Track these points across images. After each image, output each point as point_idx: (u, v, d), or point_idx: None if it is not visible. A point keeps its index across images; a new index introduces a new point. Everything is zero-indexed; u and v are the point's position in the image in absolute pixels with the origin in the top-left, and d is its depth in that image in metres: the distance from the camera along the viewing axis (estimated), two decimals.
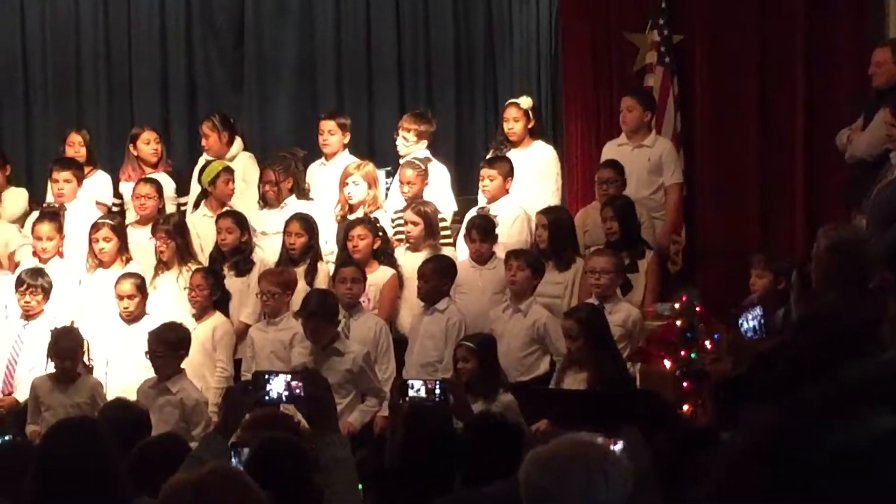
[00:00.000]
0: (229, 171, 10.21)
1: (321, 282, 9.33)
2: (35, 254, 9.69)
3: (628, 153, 9.96)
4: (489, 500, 4.38)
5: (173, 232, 9.58)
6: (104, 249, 9.54)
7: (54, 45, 12.39)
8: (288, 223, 9.50)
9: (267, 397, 4.74)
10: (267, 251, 9.81)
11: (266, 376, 4.80)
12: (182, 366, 8.54)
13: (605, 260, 8.69)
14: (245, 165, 10.56)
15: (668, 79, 10.31)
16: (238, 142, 10.66)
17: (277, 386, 4.72)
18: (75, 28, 12.36)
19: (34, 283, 9.16)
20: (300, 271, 9.37)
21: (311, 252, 9.47)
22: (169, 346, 8.43)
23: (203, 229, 9.93)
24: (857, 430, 0.71)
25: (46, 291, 9.19)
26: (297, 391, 4.68)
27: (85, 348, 9.13)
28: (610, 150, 10.05)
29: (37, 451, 5.44)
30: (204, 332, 9.07)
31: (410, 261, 9.42)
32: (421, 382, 7.12)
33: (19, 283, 9.19)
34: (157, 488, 4.88)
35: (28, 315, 9.19)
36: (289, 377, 4.78)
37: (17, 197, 10.74)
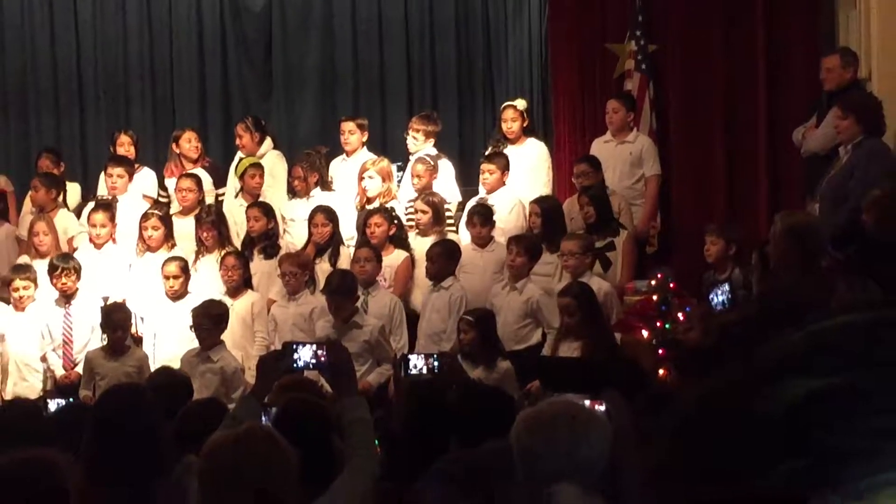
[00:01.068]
0: (256, 166, 10.25)
1: (342, 263, 9.36)
2: (91, 240, 9.71)
3: (613, 148, 9.99)
4: (483, 457, 4.39)
5: (217, 221, 9.62)
6: (153, 236, 9.57)
7: (105, 59, 12.41)
8: (313, 215, 9.51)
9: (295, 365, 4.76)
10: (295, 236, 9.85)
11: (294, 346, 4.82)
12: (222, 338, 8.56)
13: (572, 243, 8.70)
14: (274, 162, 10.57)
15: (644, 83, 10.33)
16: (268, 141, 10.68)
17: (305, 355, 4.74)
18: (123, 43, 12.38)
19: (66, 266, 9.12)
20: (325, 254, 9.41)
21: (334, 237, 9.49)
22: (212, 319, 8.44)
23: (239, 217, 9.97)
24: (774, 400, 0.72)
25: (78, 272, 9.15)
26: (322, 359, 4.70)
27: (133, 322, 9.15)
28: (597, 146, 10.08)
29: (92, 412, 5.47)
30: (244, 307, 9.09)
31: (420, 244, 9.45)
32: (421, 358, 7.16)
33: (52, 268, 9.12)
34: (201, 447, 4.93)
35: (66, 296, 9.14)
36: (315, 346, 4.80)
37: (72, 191, 10.77)
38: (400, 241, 9.53)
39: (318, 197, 9.94)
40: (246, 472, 3.63)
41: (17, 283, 9.11)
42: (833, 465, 0.68)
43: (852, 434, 0.69)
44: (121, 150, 10.70)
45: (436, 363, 6.92)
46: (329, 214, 9.48)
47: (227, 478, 3.67)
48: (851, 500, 0.68)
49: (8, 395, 8.80)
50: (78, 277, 9.15)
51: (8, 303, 9.25)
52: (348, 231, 9.77)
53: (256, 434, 3.83)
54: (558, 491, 3.45)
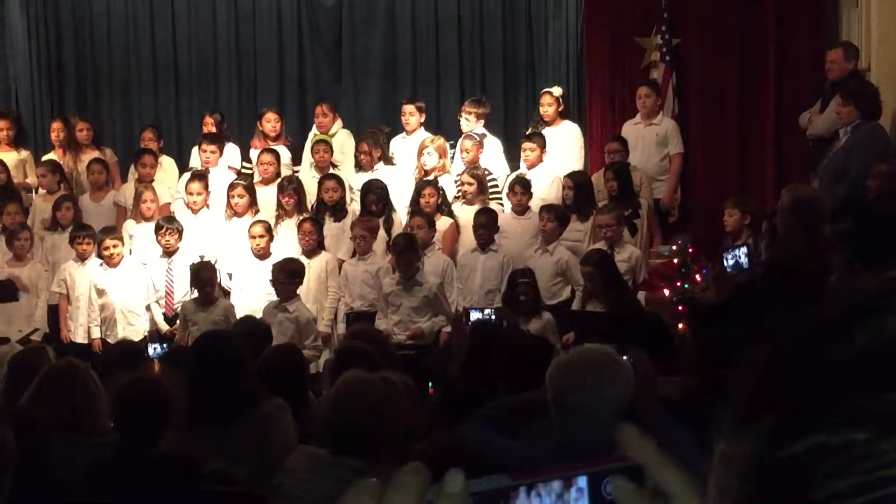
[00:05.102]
0: (323, 143, 10.26)
1: (396, 228, 9.39)
2: (188, 206, 9.78)
3: (642, 130, 9.98)
4: (524, 402, 4.38)
5: (298, 189, 9.66)
6: (239, 203, 9.61)
7: (197, 48, 12.46)
8: (365, 194, 9.49)
9: None
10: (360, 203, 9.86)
11: None
12: (298, 292, 8.61)
13: (607, 217, 8.70)
14: (344, 140, 10.59)
15: (668, 73, 10.29)
16: (339, 121, 10.72)
17: None
18: (213, 33, 12.43)
19: (171, 226, 9.23)
20: (380, 221, 9.43)
21: (386, 208, 9.50)
22: (288, 275, 8.49)
23: (310, 187, 9.98)
24: (884, 328, 0.67)
25: (180, 232, 9.25)
26: None
27: (219, 277, 9.22)
28: (627, 128, 10.07)
29: (190, 354, 5.54)
30: (319, 265, 9.13)
31: (466, 213, 9.46)
32: (478, 311, 7.23)
33: (158, 227, 9.23)
34: (280, 387, 4.98)
35: (168, 252, 9.23)
36: None
37: (169, 163, 10.84)
38: (446, 209, 9.53)
39: (381, 170, 9.95)
40: None
41: (108, 242, 9.16)
42: None
43: None
44: (205, 129, 10.76)
45: (492, 315, 6.97)
46: (380, 191, 9.45)
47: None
48: None
49: (118, 339, 8.91)
50: (180, 237, 9.25)
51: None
52: (408, 201, 9.77)
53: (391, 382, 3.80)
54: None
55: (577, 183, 9.34)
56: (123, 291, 9.17)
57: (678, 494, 0.77)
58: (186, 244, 9.33)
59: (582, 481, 0.77)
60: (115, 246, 9.13)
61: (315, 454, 3.67)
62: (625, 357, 4.67)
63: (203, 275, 8.78)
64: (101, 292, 9.19)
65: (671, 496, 0.77)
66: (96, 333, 9.22)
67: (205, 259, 9.17)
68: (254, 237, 9.15)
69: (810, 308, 0.73)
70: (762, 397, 0.69)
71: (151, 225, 9.49)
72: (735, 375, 0.73)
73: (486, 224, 8.97)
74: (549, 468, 0.78)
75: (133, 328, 9.12)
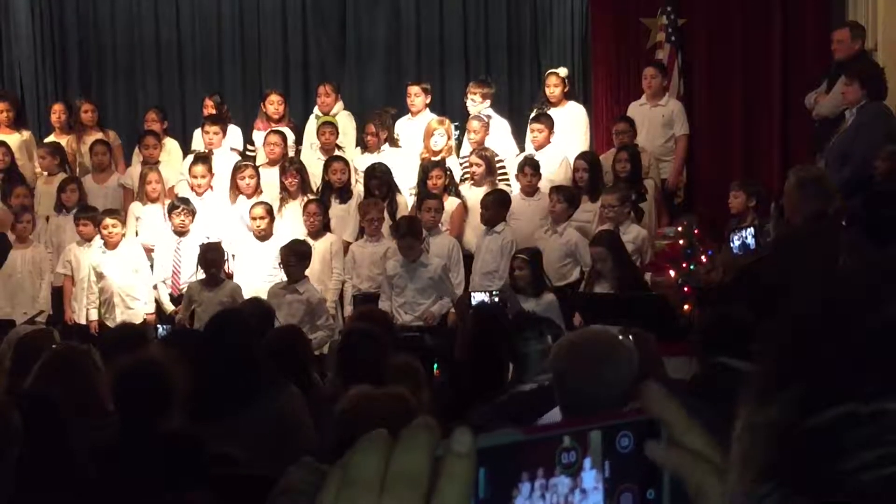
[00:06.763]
0: (329, 124, 10.24)
1: (401, 211, 9.38)
2: (192, 188, 9.77)
3: (647, 111, 9.95)
4: (529, 394, 4.34)
5: (301, 169, 9.64)
6: (249, 184, 9.58)
7: (201, 31, 12.44)
8: (369, 178, 9.47)
9: None
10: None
11: None
12: (306, 273, 8.61)
13: (612, 197, 8.67)
14: (345, 122, 10.56)
15: (673, 53, 10.26)
16: (340, 103, 10.70)
17: None
18: (217, 16, 12.41)
19: (186, 207, 9.26)
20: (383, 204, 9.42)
21: (389, 191, 9.47)
22: (298, 256, 8.51)
23: (315, 168, 9.96)
24: None
25: (193, 213, 9.27)
26: None
27: (226, 259, 9.23)
28: (633, 109, 10.04)
29: (205, 332, 5.51)
30: (323, 247, 9.12)
31: (474, 194, 9.44)
32: (482, 294, 7.19)
33: (172, 207, 9.28)
34: (283, 369, 4.97)
35: (181, 232, 9.25)
36: None
37: (173, 145, 10.82)
38: (453, 190, 9.51)
39: (387, 152, 9.93)
40: None
41: (107, 221, 9.13)
42: None
43: None
44: (205, 112, 10.73)
45: (496, 298, 6.95)
46: (384, 175, 9.42)
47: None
48: None
49: (117, 322, 8.92)
50: (193, 218, 9.27)
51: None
52: (413, 182, 9.74)
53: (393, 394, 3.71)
54: None
55: (591, 164, 9.32)
56: (122, 274, 9.17)
57: (701, 453, 0.77)
58: (193, 226, 9.33)
59: (588, 480, 0.76)
60: (114, 226, 9.11)
61: (318, 471, 3.65)
62: (629, 338, 4.66)
63: (210, 256, 8.80)
64: (99, 275, 9.19)
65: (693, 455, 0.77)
66: (94, 315, 9.23)
67: (208, 242, 9.16)
68: (255, 218, 9.16)
69: (839, 277, 0.71)
70: (791, 365, 0.68)
71: (157, 206, 9.50)
72: (762, 342, 0.71)
73: (489, 204, 8.94)
74: (562, 422, 0.77)
75: (132, 311, 9.12)
